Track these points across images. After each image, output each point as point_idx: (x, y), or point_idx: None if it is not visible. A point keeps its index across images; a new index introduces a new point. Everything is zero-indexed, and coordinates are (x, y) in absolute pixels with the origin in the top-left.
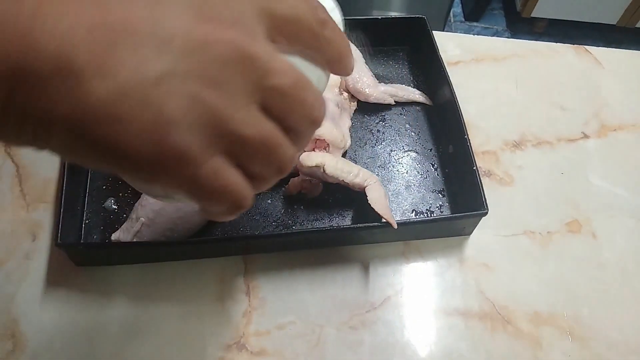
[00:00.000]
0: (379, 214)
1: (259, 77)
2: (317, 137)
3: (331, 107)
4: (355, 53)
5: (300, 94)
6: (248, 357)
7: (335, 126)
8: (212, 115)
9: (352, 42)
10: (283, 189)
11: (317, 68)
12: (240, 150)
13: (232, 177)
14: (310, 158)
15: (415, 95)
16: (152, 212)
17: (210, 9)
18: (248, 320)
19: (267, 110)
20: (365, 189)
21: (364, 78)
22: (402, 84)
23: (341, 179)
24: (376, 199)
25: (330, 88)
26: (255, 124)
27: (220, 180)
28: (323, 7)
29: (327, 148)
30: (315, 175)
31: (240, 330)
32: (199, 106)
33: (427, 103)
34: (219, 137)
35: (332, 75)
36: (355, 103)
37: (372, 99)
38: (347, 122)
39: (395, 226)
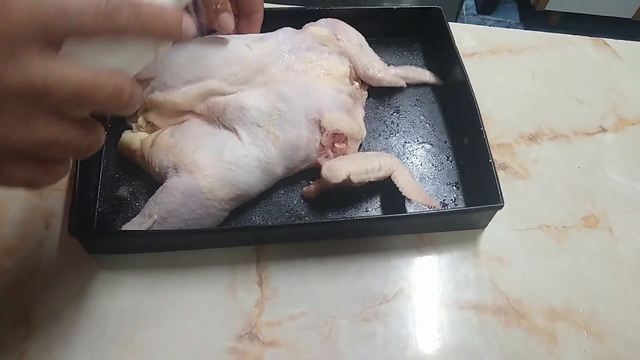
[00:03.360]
0: (416, 201)
1: (39, 98)
2: (335, 132)
3: (345, 99)
4: (359, 38)
5: (90, 93)
6: (260, 347)
7: (352, 118)
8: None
9: (361, 32)
10: (304, 189)
11: (128, 50)
12: (33, 152)
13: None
14: (334, 174)
15: (426, 76)
16: (165, 211)
17: None
18: (260, 310)
19: (65, 114)
20: (392, 177)
21: (374, 63)
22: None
23: (367, 181)
24: (406, 186)
25: (341, 79)
26: (36, 133)
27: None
28: None
29: (345, 141)
30: (340, 184)
31: (252, 321)
32: None
33: (437, 83)
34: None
35: (340, 67)
36: (366, 92)
37: (385, 83)
38: (361, 112)
39: (439, 206)
